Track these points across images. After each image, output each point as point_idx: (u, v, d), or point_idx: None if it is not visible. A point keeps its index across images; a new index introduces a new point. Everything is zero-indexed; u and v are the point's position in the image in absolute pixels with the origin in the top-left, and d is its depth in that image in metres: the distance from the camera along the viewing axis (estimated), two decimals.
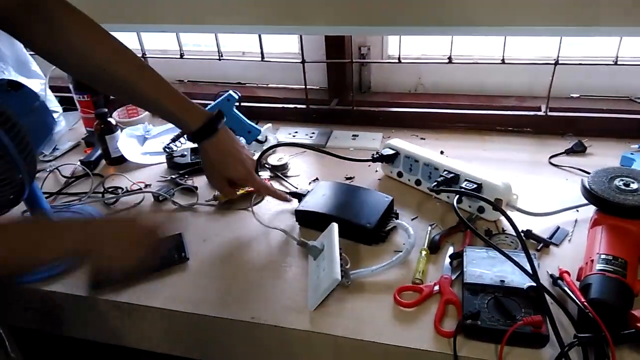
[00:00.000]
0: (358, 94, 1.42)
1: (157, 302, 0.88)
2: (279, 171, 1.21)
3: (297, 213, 1.02)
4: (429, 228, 0.99)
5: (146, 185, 1.20)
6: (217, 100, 1.22)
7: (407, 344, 0.77)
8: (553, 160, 1.19)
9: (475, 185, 0.98)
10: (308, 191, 1.07)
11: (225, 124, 1.04)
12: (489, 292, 0.80)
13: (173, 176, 1.21)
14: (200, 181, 1.21)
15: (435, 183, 1.01)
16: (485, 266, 0.84)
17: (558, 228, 0.97)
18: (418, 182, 1.10)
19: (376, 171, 1.20)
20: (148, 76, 0.92)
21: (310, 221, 1.02)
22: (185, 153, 1.28)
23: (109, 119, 1.27)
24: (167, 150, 1.26)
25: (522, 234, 0.88)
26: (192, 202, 1.13)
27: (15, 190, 0.81)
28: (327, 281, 0.82)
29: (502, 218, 0.99)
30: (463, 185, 0.99)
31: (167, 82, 0.94)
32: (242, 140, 1.28)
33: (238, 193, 1.08)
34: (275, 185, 1.16)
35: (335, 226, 0.91)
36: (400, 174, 1.13)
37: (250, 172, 1.01)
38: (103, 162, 1.32)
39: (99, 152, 1.31)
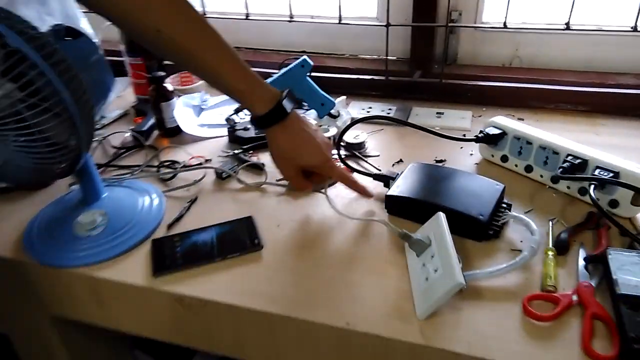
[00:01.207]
0: (444, 67, 1.24)
1: (226, 297, 0.74)
2: (356, 150, 1.05)
3: (389, 199, 0.86)
4: (550, 224, 0.82)
5: (206, 161, 1.06)
6: (290, 66, 1.06)
7: None
8: None
9: (611, 174, 0.81)
10: (397, 174, 0.91)
11: (296, 93, 0.90)
12: None
13: (236, 151, 1.06)
14: (266, 158, 1.06)
15: (561, 169, 0.84)
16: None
17: None
18: (529, 169, 0.93)
19: (471, 154, 1.03)
20: (210, 43, 0.78)
21: (404, 209, 0.86)
22: (249, 126, 1.13)
23: (165, 85, 1.13)
24: (229, 122, 1.12)
25: None
26: (259, 181, 0.98)
27: (70, 157, 0.67)
28: (445, 285, 0.66)
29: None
30: (595, 173, 0.82)
31: (232, 52, 0.80)
32: (313, 114, 1.12)
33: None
34: (353, 166, 1.00)
35: (442, 216, 0.75)
36: (504, 158, 0.96)
37: (328, 159, 0.86)
38: (156, 133, 1.18)
39: (152, 121, 1.17)
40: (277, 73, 1.07)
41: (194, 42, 0.76)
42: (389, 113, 1.19)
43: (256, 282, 0.76)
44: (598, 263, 0.73)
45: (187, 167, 1.04)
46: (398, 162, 1.02)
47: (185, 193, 0.96)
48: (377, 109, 1.21)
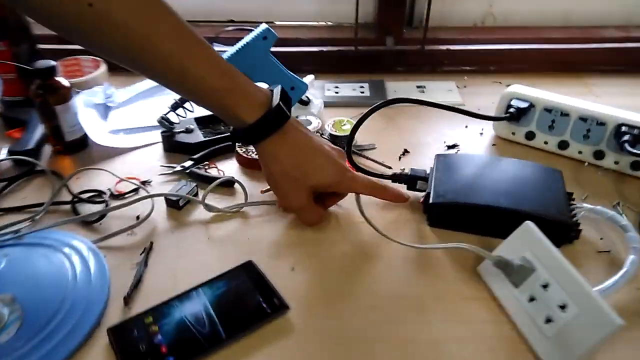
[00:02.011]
0: (410, 31, 1.04)
1: None
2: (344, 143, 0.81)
3: (434, 208, 0.65)
4: (619, 210, 0.68)
5: (143, 184, 0.74)
6: (247, 39, 0.77)
7: None
8: None
9: None
10: (424, 172, 0.70)
11: (257, 75, 0.68)
12: None
13: (185, 164, 0.76)
14: (229, 167, 0.78)
15: (626, 142, 0.70)
16: None
17: None
18: (564, 145, 0.78)
19: (481, 134, 0.86)
20: (169, 25, 0.52)
21: (452, 219, 0.65)
22: (192, 126, 0.82)
23: (58, 79, 0.76)
24: (165, 123, 0.80)
25: None
26: (236, 203, 0.70)
27: None
28: (594, 330, 0.47)
29: None
30: None
31: (200, 38, 0.55)
32: None
33: None
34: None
35: (534, 227, 0.56)
36: (530, 135, 0.80)
37: (346, 170, 0.63)
38: (48, 150, 0.81)
39: (39, 133, 0.80)
40: (228, 49, 0.78)
41: (146, 23, 0.50)
42: (362, 92, 0.96)
43: None
44: None
45: (120, 197, 0.71)
46: (403, 153, 0.81)
47: (130, 239, 0.65)
48: (346, 87, 0.97)
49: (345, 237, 0.65)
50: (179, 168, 0.76)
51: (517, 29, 1.06)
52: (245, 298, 0.56)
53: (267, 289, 0.57)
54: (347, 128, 0.82)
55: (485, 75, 1.01)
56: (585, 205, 0.65)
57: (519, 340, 0.52)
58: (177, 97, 0.80)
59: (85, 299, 0.55)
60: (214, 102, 0.57)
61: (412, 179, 0.70)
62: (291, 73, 0.82)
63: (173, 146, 0.80)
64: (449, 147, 0.82)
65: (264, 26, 0.78)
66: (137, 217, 0.67)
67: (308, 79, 0.88)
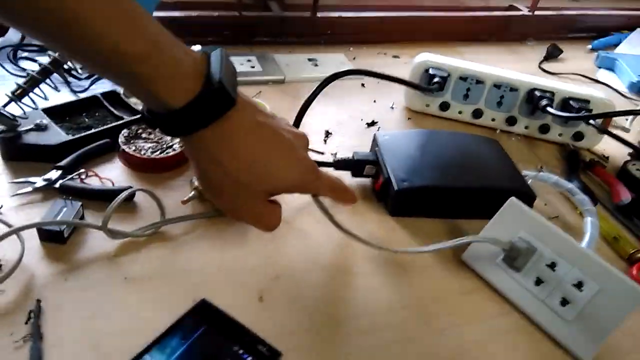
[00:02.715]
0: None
1: None
2: None
3: (400, 195, 0.56)
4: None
5: None
6: None
7: None
8: (544, 67, 1.02)
9: (581, 104, 0.72)
10: (372, 156, 0.61)
11: None
12: None
13: (48, 176, 0.53)
14: (114, 173, 0.57)
15: (545, 107, 0.71)
16: None
17: None
18: (478, 114, 0.77)
19: (392, 107, 0.80)
20: None
21: (416, 206, 0.58)
22: (45, 121, 0.58)
23: None
24: (7, 118, 0.54)
25: None
26: (149, 222, 0.51)
27: None
28: (618, 304, 0.44)
29: (601, 144, 0.76)
30: (572, 105, 0.72)
31: None
32: None
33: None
34: None
35: (519, 203, 0.52)
36: (445, 106, 0.77)
37: (313, 170, 0.46)
38: None
39: None
40: None
41: None
42: (253, 66, 0.81)
43: None
44: (635, 207, 0.64)
45: None
46: (327, 135, 0.70)
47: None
48: (233, 62, 0.81)
49: (310, 247, 0.53)
50: (41, 183, 0.52)
51: None
52: (218, 354, 0.40)
53: (244, 336, 0.42)
54: None
55: (372, 46, 0.96)
56: (529, 172, 0.64)
57: (534, 329, 0.48)
58: (20, 80, 0.55)
59: None
60: (127, 72, 0.38)
61: (359, 164, 0.60)
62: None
63: (20, 152, 0.56)
64: (369, 124, 0.74)
65: None
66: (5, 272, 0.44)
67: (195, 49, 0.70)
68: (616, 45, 1.13)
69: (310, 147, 0.64)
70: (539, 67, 1.02)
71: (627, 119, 0.83)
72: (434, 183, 0.57)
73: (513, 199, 0.52)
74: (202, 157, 0.42)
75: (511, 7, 1.10)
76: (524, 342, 0.47)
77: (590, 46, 1.13)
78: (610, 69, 1.04)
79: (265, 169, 0.43)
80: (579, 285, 0.47)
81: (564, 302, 0.47)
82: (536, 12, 1.08)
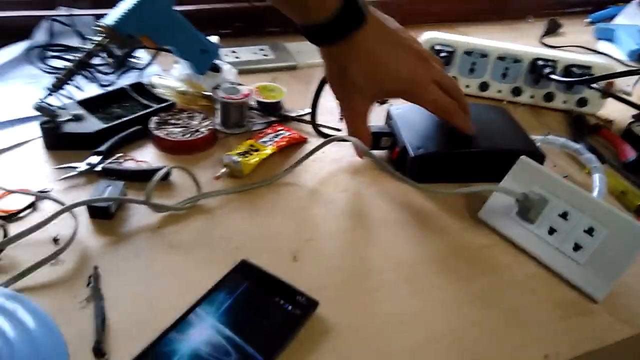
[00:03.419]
0: None
1: None
2: (275, 112, 0.71)
3: (417, 162, 0.60)
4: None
5: (40, 193, 0.53)
6: None
7: None
8: (545, 42, 1.05)
9: (583, 70, 0.76)
10: (386, 128, 0.65)
11: (165, 38, 0.63)
12: None
13: (89, 161, 0.57)
14: (148, 156, 0.61)
15: (546, 76, 0.74)
16: None
17: None
18: (484, 86, 0.80)
19: None
20: None
21: (433, 171, 0.61)
22: (81, 111, 0.62)
23: None
24: (47, 109, 0.59)
25: None
26: (186, 197, 0.55)
27: None
28: (627, 244, 0.48)
29: (605, 109, 0.79)
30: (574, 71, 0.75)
31: None
32: (184, 68, 0.70)
33: (255, 161, 0.59)
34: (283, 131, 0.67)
35: (530, 160, 0.55)
36: None
37: (422, 83, 0.58)
38: None
39: None
40: (119, 6, 0.60)
41: None
42: (265, 55, 0.85)
43: None
44: None
45: (12, 219, 0.50)
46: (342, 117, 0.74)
47: (57, 271, 0.46)
48: (245, 52, 0.85)
49: (337, 208, 0.57)
50: (84, 167, 0.56)
51: None
52: (262, 305, 0.44)
53: (284, 288, 0.45)
54: (275, 94, 0.71)
55: None
56: (537, 137, 0.67)
57: (550, 276, 0.51)
58: (50, 78, 0.59)
59: None
60: None
61: (376, 137, 0.64)
62: (200, 33, 0.67)
63: (61, 140, 0.60)
64: (381, 103, 0.78)
65: None
66: (55, 240, 0.48)
67: (213, 40, 0.74)
68: (612, 17, 1.16)
69: (327, 124, 0.69)
70: (540, 42, 1.05)
71: (628, 85, 0.86)
72: (448, 148, 0.61)
73: (523, 157, 0.55)
74: (332, 62, 0.56)
75: None
76: (541, 287, 0.50)
77: (588, 19, 1.16)
78: (609, 39, 1.07)
79: (376, 76, 0.55)
80: (589, 231, 0.50)
81: (577, 247, 0.50)
82: None
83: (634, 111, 0.76)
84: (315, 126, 0.66)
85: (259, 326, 0.42)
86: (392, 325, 0.45)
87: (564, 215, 0.52)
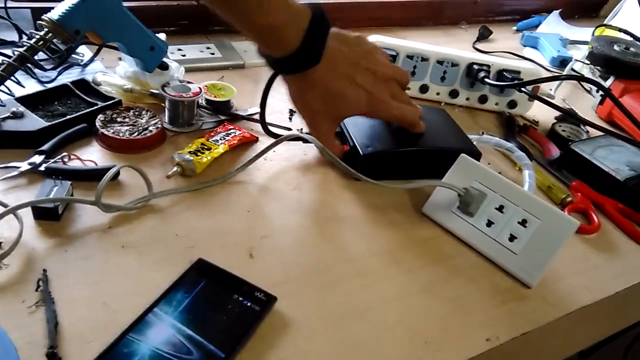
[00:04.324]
0: None
1: None
2: (224, 110, 0.71)
3: (366, 160, 0.62)
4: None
5: None
6: None
7: None
8: (477, 47, 1.11)
9: (513, 75, 0.81)
10: (339, 129, 0.67)
11: (109, 35, 0.62)
12: None
13: (32, 161, 0.55)
14: (93, 155, 0.59)
15: (482, 79, 0.79)
16: (610, 158, 0.71)
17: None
18: (424, 89, 0.84)
19: None
20: None
21: (381, 169, 0.64)
22: (20, 109, 0.59)
23: None
24: None
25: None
26: (137, 196, 0.54)
27: None
28: (556, 234, 0.53)
29: (531, 111, 0.86)
30: (506, 76, 0.81)
31: None
32: (130, 65, 0.69)
33: (207, 160, 0.60)
34: (238, 132, 0.67)
35: (469, 158, 0.59)
36: None
37: (379, 102, 0.61)
38: None
39: None
40: (64, 1, 0.58)
41: None
42: (212, 54, 0.84)
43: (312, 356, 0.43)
44: (563, 161, 0.74)
45: None
46: (291, 114, 0.75)
47: (2, 276, 0.44)
48: (192, 50, 0.84)
49: (290, 205, 0.58)
50: (26, 167, 0.54)
51: None
52: (221, 303, 0.45)
53: (242, 285, 0.46)
54: (225, 92, 0.71)
55: None
56: (473, 136, 0.72)
57: (489, 265, 0.55)
58: None
59: None
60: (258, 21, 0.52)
61: None
62: (149, 30, 0.66)
63: None
64: None
65: None
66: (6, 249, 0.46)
67: (161, 37, 0.73)
68: (537, 26, 1.25)
69: (276, 123, 0.71)
70: (473, 47, 1.11)
71: (551, 89, 0.94)
72: (394, 146, 0.64)
73: (463, 155, 0.59)
74: (292, 85, 0.59)
75: None
76: (481, 275, 0.54)
77: (515, 27, 1.24)
78: (534, 46, 1.15)
79: (335, 105, 0.59)
80: (523, 222, 0.55)
81: (512, 238, 0.55)
82: None
83: (557, 113, 0.83)
84: (265, 126, 0.66)
85: (218, 323, 0.43)
86: (348, 317, 0.47)
87: (500, 209, 0.56)
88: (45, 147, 0.57)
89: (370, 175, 0.63)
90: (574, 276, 0.56)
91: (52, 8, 0.58)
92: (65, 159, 0.57)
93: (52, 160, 0.56)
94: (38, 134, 0.57)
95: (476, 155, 0.66)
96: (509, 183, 0.56)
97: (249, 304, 0.45)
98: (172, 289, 0.45)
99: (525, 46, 1.16)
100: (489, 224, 0.56)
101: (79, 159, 0.58)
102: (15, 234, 0.47)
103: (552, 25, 1.26)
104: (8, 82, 0.60)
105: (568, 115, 0.79)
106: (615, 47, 0.90)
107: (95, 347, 0.39)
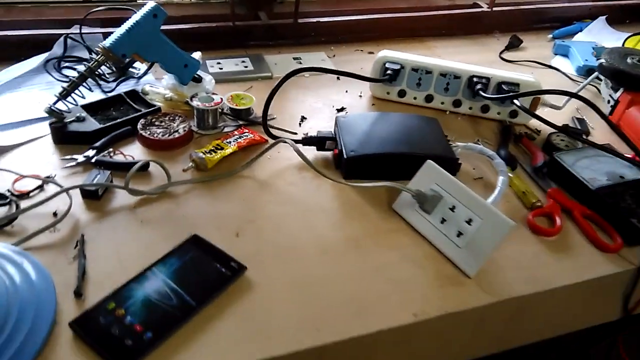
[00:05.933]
0: (277, 6, 1.09)
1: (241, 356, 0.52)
2: (246, 117, 0.85)
3: (350, 162, 0.73)
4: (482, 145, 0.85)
5: (46, 178, 0.69)
6: (137, 18, 0.75)
7: (598, 273, 0.64)
8: (504, 56, 1.16)
9: (513, 87, 0.87)
10: (330, 133, 0.78)
11: (150, 55, 0.75)
12: (621, 191, 0.72)
13: (87, 154, 0.72)
14: (134, 151, 0.76)
15: (479, 91, 0.86)
16: (591, 168, 0.76)
17: (574, 118, 0.94)
18: (429, 99, 0.93)
19: (360, 96, 0.96)
20: None
21: (365, 169, 0.74)
22: (83, 114, 0.78)
23: None
24: (56, 112, 0.74)
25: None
26: (158, 185, 0.70)
27: None
28: (495, 232, 0.60)
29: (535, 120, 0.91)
30: (504, 88, 0.87)
31: None
32: (171, 79, 0.85)
33: (217, 157, 0.73)
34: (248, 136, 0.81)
35: (433, 164, 0.68)
36: (402, 93, 0.93)
37: None
38: None
39: None
40: (117, 30, 0.75)
41: None
42: (246, 67, 0.99)
43: (268, 317, 0.55)
44: (547, 168, 0.79)
45: (24, 198, 0.65)
46: (302, 120, 0.88)
47: (55, 237, 0.61)
48: (229, 63, 0.99)
49: (282, 197, 0.71)
50: (82, 159, 0.72)
51: (368, 1, 1.19)
52: (203, 267, 0.58)
53: (222, 256, 0.60)
54: (246, 101, 0.85)
55: (350, 44, 1.12)
56: (459, 143, 0.79)
57: (438, 255, 0.64)
58: (65, 84, 0.75)
59: (32, 301, 0.52)
60: None
61: (321, 140, 0.77)
62: (182, 51, 0.82)
63: (65, 137, 0.75)
64: (339, 110, 0.91)
65: (152, 4, 0.77)
66: (54, 214, 0.64)
67: (196, 56, 0.89)
68: (576, 33, 1.26)
69: (285, 128, 0.83)
70: (500, 56, 1.16)
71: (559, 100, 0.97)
72: (375, 151, 0.74)
73: (429, 161, 0.68)
74: None
75: (474, 5, 1.24)
76: (429, 263, 0.63)
77: (550, 35, 1.26)
78: (565, 55, 1.17)
79: None
80: (469, 221, 0.63)
81: (459, 234, 0.63)
82: (495, 8, 1.22)
83: (563, 121, 0.87)
84: (266, 129, 0.79)
85: (197, 282, 0.57)
86: (303, 284, 0.59)
87: (452, 208, 0.64)
88: (97, 144, 0.74)
89: (355, 175, 0.74)
90: (517, 270, 0.63)
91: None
92: (112, 154, 0.74)
93: (102, 155, 0.73)
94: (93, 134, 0.75)
95: (454, 161, 0.74)
96: (462, 187, 0.65)
97: (223, 270, 0.58)
98: (169, 255, 0.59)
99: (556, 55, 1.18)
100: (443, 221, 0.65)
101: (122, 154, 0.75)
102: (66, 207, 0.64)
103: (595, 32, 1.26)
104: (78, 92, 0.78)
105: (557, 129, 0.82)
106: (628, 60, 0.92)
107: (108, 290, 0.55)
